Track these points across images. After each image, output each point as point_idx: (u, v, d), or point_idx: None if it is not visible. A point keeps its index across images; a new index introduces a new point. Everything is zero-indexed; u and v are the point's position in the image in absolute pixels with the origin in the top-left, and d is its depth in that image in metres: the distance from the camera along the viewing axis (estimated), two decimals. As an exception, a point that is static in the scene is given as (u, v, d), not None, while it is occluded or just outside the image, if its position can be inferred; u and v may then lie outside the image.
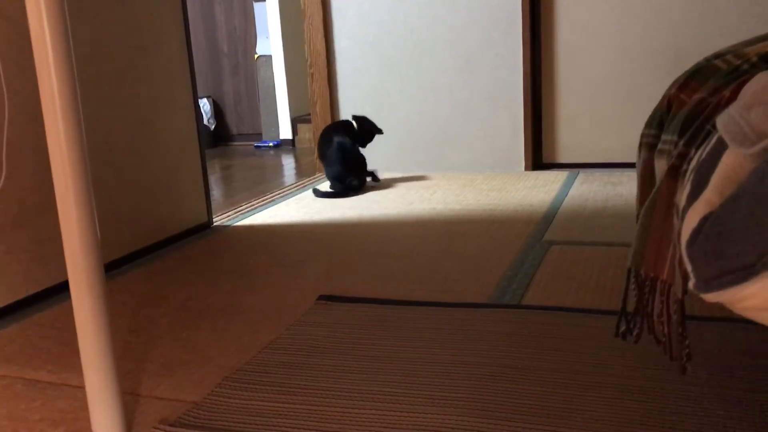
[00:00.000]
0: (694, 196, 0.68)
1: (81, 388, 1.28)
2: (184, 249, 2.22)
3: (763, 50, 0.95)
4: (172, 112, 2.30)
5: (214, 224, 2.52)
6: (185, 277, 1.92)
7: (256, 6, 4.74)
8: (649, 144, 1.05)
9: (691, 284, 0.67)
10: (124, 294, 1.82)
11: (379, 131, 2.98)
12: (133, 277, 1.96)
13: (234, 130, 5.06)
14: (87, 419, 1.17)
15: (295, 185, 3.20)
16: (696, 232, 0.65)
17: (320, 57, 3.34)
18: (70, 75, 1.00)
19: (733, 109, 0.69)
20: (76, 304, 1.05)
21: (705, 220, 0.64)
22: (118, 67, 2.07)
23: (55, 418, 1.19)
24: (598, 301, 1.56)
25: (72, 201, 1.02)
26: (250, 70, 4.92)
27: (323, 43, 3.32)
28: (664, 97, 1.07)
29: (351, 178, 2.86)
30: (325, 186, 3.02)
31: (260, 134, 4.92)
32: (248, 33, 4.89)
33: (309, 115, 3.87)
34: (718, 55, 1.03)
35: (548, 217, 2.32)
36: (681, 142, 0.89)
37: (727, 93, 0.88)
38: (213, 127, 4.98)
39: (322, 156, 2.93)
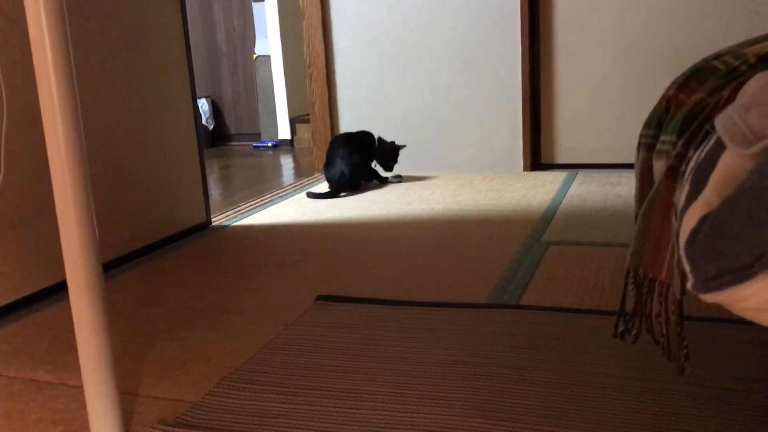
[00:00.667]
0: (692, 197, 0.68)
1: (79, 387, 1.28)
2: (183, 249, 2.21)
3: (762, 51, 0.95)
4: (171, 111, 2.30)
5: (213, 224, 2.52)
6: (184, 277, 1.92)
7: (255, 6, 4.74)
8: (647, 144, 1.06)
9: (689, 284, 0.67)
10: (123, 294, 1.82)
11: (400, 147, 3.03)
12: (132, 277, 1.96)
13: (232, 130, 5.06)
14: (85, 419, 1.17)
15: (293, 185, 3.20)
16: (695, 233, 0.65)
17: (319, 57, 3.34)
18: (68, 74, 0.99)
19: (731, 110, 0.69)
20: (75, 304, 1.05)
21: (704, 220, 0.65)
22: (117, 67, 2.07)
23: (54, 417, 1.19)
24: (597, 301, 1.56)
25: (70, 201, 1.02)
26: (248, 70, 4.92)
27: (322, 43, 3.32)
28: (662, 97, 1.07)
29: (346, 190, 2.90)
30: (322, 188, 3.02)
31: (259, 134, 4.91)
32: (247, 33, 4.88)
33: (307, 115, 3.87)
34: (716, 56, 1.03)
35: (547, 218, 2.32)
36: (680, 143, 0.89)
37: (725, 93, 0.88)
38: (212, 127, 4.98)
39: (328, 157, 2.94)
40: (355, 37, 3.29)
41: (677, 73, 1.12)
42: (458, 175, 3.17)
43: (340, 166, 2.86)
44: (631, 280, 0.98)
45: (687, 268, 0.67)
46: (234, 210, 2.74)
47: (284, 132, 4.79)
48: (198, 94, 4.79)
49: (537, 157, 3.19)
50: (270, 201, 2.87)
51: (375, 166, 3.04)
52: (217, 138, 5.03)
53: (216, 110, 5.04)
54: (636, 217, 0.98)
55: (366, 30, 3.26)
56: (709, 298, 0.63)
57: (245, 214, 2.65)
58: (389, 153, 2.99)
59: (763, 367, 1.20)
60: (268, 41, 4.72)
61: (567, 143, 3.16)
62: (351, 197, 2.82)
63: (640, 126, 1.12)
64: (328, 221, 2.45)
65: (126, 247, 2.11)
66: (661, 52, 2.94)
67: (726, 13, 2.83)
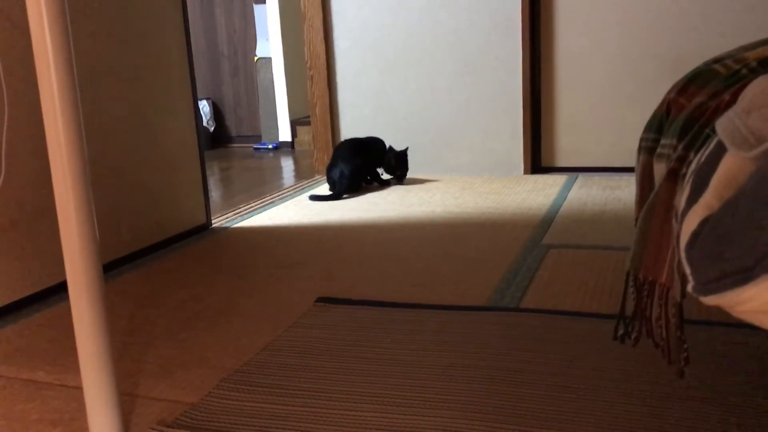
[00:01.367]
0: (693, 199, 0.68)
1: (79, 388, 1.28)
2: (183, 250, 2.21)
3: (762, 55, 0.96)
4: (172, 113, 2.30)
5: (213, 226, 2.52)
6: (183, 279, 1.92)
7: (256, 8, 4.74)
8: (648, 148, 1.06)
9: (690, 287, 0.67)
10: (123, 295, 1.81)
11: (403, 151, 3.05)
12: (132, 278, 1.96)
13: (233, 131, 5.06)
14: (84, 420, 1.17)
15: (293, 187, 3.20)
16: (695, 235, 0.65)
17: (320, 59, 3.34)
18: (70, 76, 1.00)
19: (732, 113, 0.69)
20: (75, 305, 1.05)
21: (704, 223, 0.65)
22: (118, 69, 2.07)
23: (53, 418, 1.19)
24: (597, 304, 1.56)
25: (71, 202, 1.02)
26: (249, 72, 4.93)
27: (323, 46, 3.32)
28: (663, 101, 1.07)
29: (346, 192, 2.91)
30: (323, 190, 3.02)
31: (259, 136, 4.92)
32: (248, 35, 4.89)
33: (308, 117, 3.87)
34: (717, 60, 1.03)
35: (547, 221, 2.32)
36: (680, 146, 0.89)
37: (726, 97, 0.88)
38: (212, 128, 4.98)
39: (331, 159, 2.97)
40: (356, 40, 3.29)
41: (678, 77, 1.12)
42: (459, 177, 3.17)
43: (341, 167, 2.88)
44: (631, 283, 0.98)
45: (688, 270, 0.67)
46: (234, 212, 2.74)
47: (285, 134, 4.79)
48: (199, 95, 4.79)
49: (537, 160, 3.19)
50: (270, 203, 2.87)
51: (383, 174, 3.07)
52: (217, 140, 5.04)
53: (217, 112, 5.05)
54: (636, 220, 0.98)
55: (367, 32, 3.27)
56: (710, 300, 0.63)
57: (245, 216, 2.65)
58: (395, 162, 3.01)
59: (763, 370, 1.20)
60: (269, 43, 4.72)
61: (567, 146, 3.16)
62: (351, 199, 2.82)
63: (641, 129, 1.12)
64: (328, 223, 2.45)
65: (126, 248, 2.11)
66: (661, 56, 2.94)
67: (727, 16, 2.83)
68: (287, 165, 4.05)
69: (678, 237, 0.71)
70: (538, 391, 1.17)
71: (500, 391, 1.18)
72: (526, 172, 3.15)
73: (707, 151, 0.73)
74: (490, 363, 1.29)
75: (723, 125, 0.69)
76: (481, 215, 2.45)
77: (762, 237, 0.57)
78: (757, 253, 0.57)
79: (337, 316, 1.56)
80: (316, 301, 1.67)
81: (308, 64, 3.38)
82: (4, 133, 1.70)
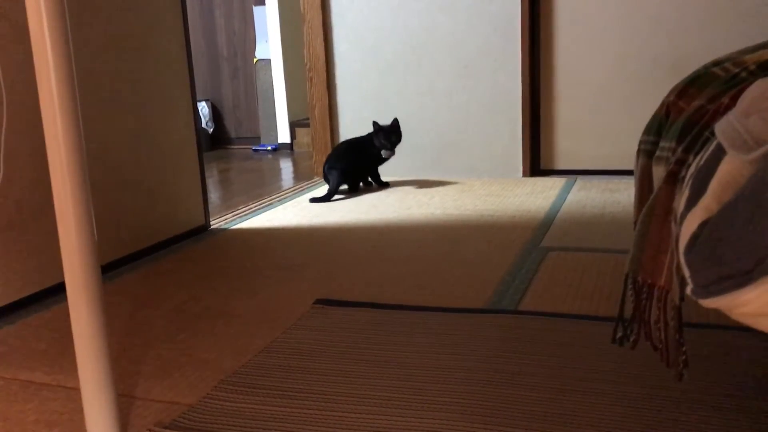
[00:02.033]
0: (692, 202, 0.68)
1: (76, 389, 1.28)
2: (181, 251, 2.21)
3: (762, 58, 0.96)
4: (171, 114, 2.30)
5: (211, 227, 2.52)
6: (182, 280, 1.92)
7: (256, 10, 4.74)
8: (647, 151, 1.06)
9: (689, 290, 0.67)
10: (121, 296, 1.81)
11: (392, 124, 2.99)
12: (130, 279, 1.96)
13: (232, 133, 5.06)
14: (82, 421, 1.16)
15: (292, 189, 3.20)
16: (694, 238, 0.65)
17: (319, 61, 3.35)
18: (69, 77, 1.00)
19: (731, 116, 0.69)
20: (73, 306, 1.05)
21: (703, 225, 0.65)
22: (117, 70, 2.07)
23: (50, 419, 1.18)
24: (596, 307, 1.56)
25: (69, 202, 1.02)
26: (249, 73, 4.93)
27: (322, 48, 3.32)
28: (662, 104, 1.07)
29: (340, 185, 2.95)
30: (322, 191, 3.02)
31: (258, 138, 4.92)
32: (247, 37, 4.89)
33: (307, 119, 3.87)
34: (716, 63, 1.04)
35: (546, 223, 2.32)
36: (679, 149, 0.89)
37: (725, 100, 0.88)
38: (211, 130, 4.98)
39: (328, 157, 3.00)
40: (356, 42, 3.29)
41: (677, 80, 1.12)
42: (458, 180, 3.17)
43: (332, 165, 2.91)
44: (630, 286, 0.98)
45: (687, 273, 0.67)
46: (233, 213, 2.74)
47: (284, 136, 4.79)
48: (198, 97, 4.79)
49: (536, 163, 3.19)
50: (269, 204, 2.87)
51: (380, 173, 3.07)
52: (216, 141, 5.03)
53: (216, 113, 5.05)
54: (635, 222, 0.98)
55: (366, 34, 3.27)
56: (709, 303, 0.63)
57: (244, 218, 2.64)
58: (387, 137, 2.94)
59: (761, 373, 1.20)
60: (269, 45, 4.72)
61: (566, 149, 3.16)
62: (350, 201, 2.82)
63: (640, 132, 1.12)
64: (326, 225, 2.45)
65: (124, 249, 2.11)
66: (660, 59, 2.95)
67: (726, 20, 2.84)
68: (286, 167, 4.05)
69: (677, 240, 0.71)
70: (537, 394, 1.17)
71: (499, 394, 1.18)
72: (525, 174, 3.15)
73: (706, 154, 0.73)
74: (488, 365, 1.29)
75: (722, 128, 0.69)
76: (480, 218, 2.45)
77: (761, 240, 0.57)
78: (756, 256, 0.57)
79: (336, 318, 1.56)
80: (315, 302, 1.67)
81: (307, 66, 3.38)
82: (3, 134, 1.70)
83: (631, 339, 1.02)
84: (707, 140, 0.83)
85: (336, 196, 2.91)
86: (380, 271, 1.90)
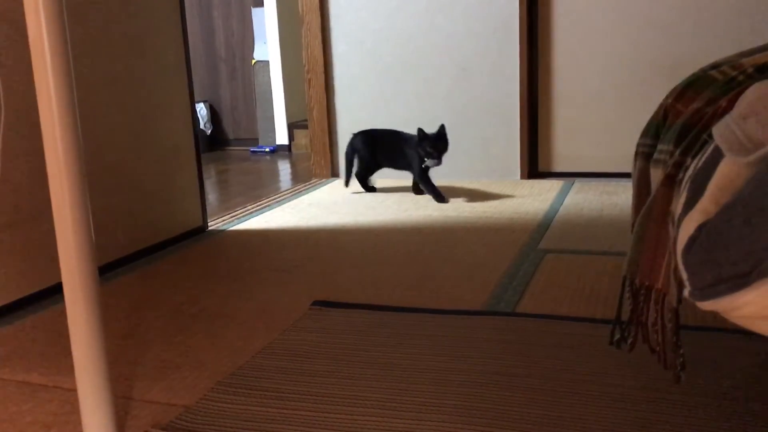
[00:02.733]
0: (690, 205, 0.68)
1: (73, 391, 1.28)
2: (179, 253, 2.21)
3: (759, 61, 0.96)
4: (169, 116, 2.30)
5: (209, 228, 2.52)
6: (179, 281, 1.91)
7: (254, 11, 4.74)
8: (645, 153, 1.06)
9: (686, 292, 0.67)
10: (118, 297, 1.81)
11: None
12: (127, 280, 1.96)
13: (230, 134, 5.06)
14: (79, 422, 1.16)
15: (290, 191, 3.20)
16: (692, 240, 0.65)
17: (318, 63, 3.35)
18: (67, 78, 0.99)
19: (729, 119, 0.69)
20: (70, 307, 1.04)
21: (701, 228, 0.65)
22: (116, 71, 2.07)
23: (47, 420, 1.18)
24: (593, 309, 1.56)
25: (67, 203, 1.02)
26: (247, 75, 4.93)
27: (321, 49, 3.32)
28: (660, 106, 1.07)
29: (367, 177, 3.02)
30: (320, 193, 3.02)
31: (257, 139, 4.91)
32: (246, 38, 4.89)
33: (306, 120, 3.87)
34: (714, 66, 1.04)
35: (543, 226, 2.33)
36: (677, 152, 0.89)
37: (723, 103, 0.88)
38: (209, 131, 4.98)
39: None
40: (354, 44, 3.29)
41: (675, 83, 1.12)
42: (455, 182, 3.17)
43: (358, 144, 2.96)
44: (627, 288, 0.98)
45: (684, 275, 0.67)
46: (230, 214, 2.74)
47: (282, 137, 4.79)
48: (196, 98, 4.77)
49: (534, 165, 3.19)
50: (267, 206, 2.86)
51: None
52: (214, 142, 5.03)
53: (214, 115, 5.04)
54: (633, 225, 0.98)
55: (365, 37, 3.27)
56: (707, 305, 0.63)
57: (242, 219, 2.64)
58: (434, 144, 2.72)
59: (760, 376, 1.20)
60: (267, 46, 4.72)
61: (564, 152, 3.16)
62: (347, 203, 2.82)
63: (638, 135, 1.12)
64: (324, 227, 2.45)
65: (122, 251, 2.10)
66: (658, 62, 2.95)
67: (723, 23, 2.84)
68: (284, 168, 4.05)
69: (675, 242, 0.71)
70: (534, 396, 1.17)
71: (496, 396, 1.18)
72: (523, 176, 3.15)
73: (704, 157, 0.74)
74: (486, 367, 1.29)
75: (720, 131, 0.69)
76: (478, 220, 2.46)
77: (758, 242, 0.57)
78: (753, 259, 0.57)
79: (333, 320, 1.56)
80: (312, 304, 1.66)
81: (306, 68, 3.38)
82: (0, 135, 1.69)
83: (629, 341, 1.02)
84: (705, 143, 0.83)
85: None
86: (378, 272, 1.90)
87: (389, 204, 2.77)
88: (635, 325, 0.99)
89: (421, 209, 2.65)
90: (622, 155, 3.05)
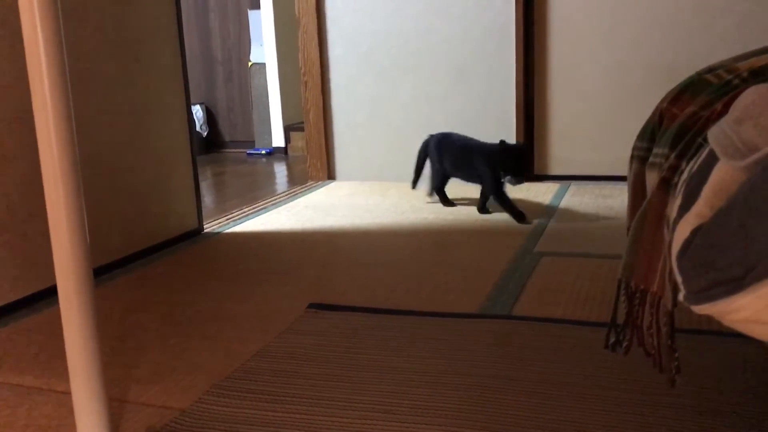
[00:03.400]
0: (685, 208, 0.69)
1: (67, 394, 1.27)
2: (174, 255, 2.21)
3: (754, 65, 0.96)
4: (165, 118, 2.29)
5: (205, 231, 2.52)
6: (175, 284, 1.91)
7: (251, 14, 4.74)
8: (640, 157, 1.06)
9: (681, 296, 0.67)
10: (113, 300, 1.81)
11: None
12: (122, 282, 1.95)
13: (226, 137, 5.05)
14: (73, 425, 1.16)
15: (286, 193, 3.19)
16: (687, 244, 0.65)
17: (314, 65, 3.35)
18: (62, 80, 0.99)
19: (724, 123, 0.70)
20: (64, 310, 1.04)
21: (696, 232, 0.65)
22: (112, 73, 2.06)
23: (41, 424, 1.18)
24: (588, 312, 1.56)
25: (62, 206, 1.01)
26: (243, 77, 4.93)
27: (317, 52, 3.32)
28: (655, 110, 1.07)
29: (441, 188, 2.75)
30: (316, 195, 3.01)
31: (253, 142, 4.91)
32: (242, 40, 4.89)
33: (302, 123, 3.87)
34: (709, 70, 1.04)
35: (539, 229, 2.33)
36: (672, 155, 0.89)
37: (718, 107, 0.89)
38: (205, 133, 4.97)
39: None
40: (351, 46, 3.29)
41: (670, 87, 1.12)
42: (451, 185, 3.17)
43: (433, 153, 2.72)
44: (622, 292, 0.98)
45: (679, 279, 0.67)
46: (226, 217, 2.74)
47: (278, 140, 4.78)
48: (192, 100, 4.79)
49: (530, 168, 3.20)
50: (263, 208, 2.86)
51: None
52: (210, 145, 5.03)
53: (210, 117, 5.04)
54: (628, 228, 0.98)
55: (361, 39, 3.27)
56: (701, 309, 0.63)
57: (238, 221, 2.64)
58: (516, 160, 2.41)
59: (754, 379, 1.20)
60: (264, 49, 4.72)
61: (560, 155, 3.17)
62: (345, 205, 2.82)
63: (633, 138, 1.12)
64: (320, 229, 2.45)
65: (117, 253, 2.10)
66: (654, 66, 2.96)
67: (719, 27, 2.85)
68: (280, 171, 4.04)
69: (670, 246, 0.71)
70: (530, 399, 1.17)
71: (492, 399, 1.18)
72: (518, 179, 3.15)
73: (699, 161, 0.74)
74: (481, 370, 1.29)
75: (715, 135, 0.69)
76: (474, 222, 2.46)
77: (753, 246, 0.57)
78: (747, 263, 0.57)
79: (329, 323, 1.56)
80: (308, 307, 1.66)
81: (302, 70, 3.38)
82: (-4, 136, 1.69)
83: (624, 344, 1.02)
84: (700, 147, 0.83)
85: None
86: (374, 275, 1.90)
87: (386, 207, 2.77)
88: (630, 329, 0.99)
89: (418, 212, 2.65)
90: (618, 158, 3.05)
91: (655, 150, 0.98)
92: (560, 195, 2.85)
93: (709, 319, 0.63)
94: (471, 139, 2.65)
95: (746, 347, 1.32)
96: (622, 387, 1.20)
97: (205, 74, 4.99)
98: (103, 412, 1.08)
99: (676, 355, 0.89)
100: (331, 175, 3.44)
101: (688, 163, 0.84)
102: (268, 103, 4.77)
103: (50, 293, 1.84)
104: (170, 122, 2.32)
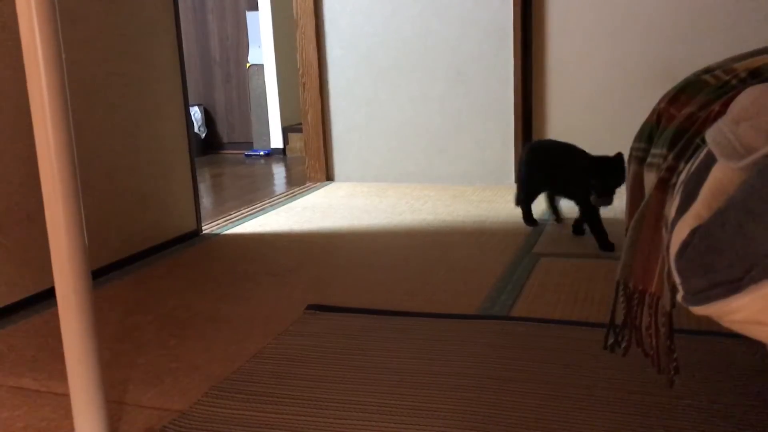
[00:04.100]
0: (683, 209, 0.69)
1: (66, 396, 1.27)
2: (173, 257, 2.20)
3: (752, 66, 0.96)
4: (163, 119, 2.29)
5: (203, 232, 2.51)
6: (173, 286, 1.91)
7: (249, 15, 4.74)
8: (638, 157, 1.06)
9: (679, 297, 0.67)
10: (111, 302, 1.80)
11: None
12: (121, 284, 1.95)
13: (225, 138, 5.05)
14: (72, 428, 1.16)
15: (285, 194, 3.19)
16: (685, 245, 0.65)
17: (312, 67, 3.35)
18: (60, 81, 0.99)
19: (722, 123, 0.70)
20: (62, 312, 1.04)
21: (694, 232, 0.65)
22: (110, 74, 2.06)
23: (40, 426, 1.18)
24: (587, 313, 1.56)
25: (60, 207, 1.01)
26: (241, 78, 4.93)
27: (315, 53, 3.32)
28: (653, 111, 1.07)
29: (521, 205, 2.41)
30: (314, 197, 3.01)
31: (251, 143, 4.91)
32: (240, 42, 4.89)
33: (300, 124, 3.87)
34: (707, 70, 1.04)
35: (538, 230, 2.33)
36: (670, 156, 0.89)
37: (716, 107, 0.89)
38: (204, 135, 4.97)
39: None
40: (349, 48, 3.30)
41: (668, 87, 1.12)
42: (450, 186, 3.18)
43: (522, 164, 2.36)
44: (621, 293, 0.98)
45: (677, 280, 0.67)
46: (225, 218, 2.73)
47: (276, 141, 4.78)
48: (190, 102, 4.78)
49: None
50: (261, 210, 2.86)
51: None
52: (209, 146, 5.03)
53: (208, 118, 5.04)
54: (626, 229, 0.98)
55: (360, 40, 3.27)
56: (699, 310, 0.63)
57: (236, 223, 2.64)
58: (605, 172, 2.03)
59: (753, 379, 1.20)
60: (262, 50, 4.72)
61: (558, 155, 3.16)
62: (343, 207, 2.82)
63: (631, 139, 1.12)
64: (319, 231, 2.45)
65: (115, 255, 2.10)
66: (652, 66, 2.96)
67: (717, 27, 2.86)
68: (279, 172, 4.04)
69: (668, 247, 0.71)
70: (529, 400, 1.17)
71: (491, 400, 1.18)
72: (518, 180, 3.15)
73: (697, 161, 0.74)
74: (480, 371, 1.29)
75: (713, 135, 0.69)
76: (473, 224, 2.46)
77: (750, 247, 0.57)
78: (745, 264, 0.57)
79: (328, 324, 1.55)
80: (307, 308, 1.66)
81: (300, 72, 3.38)
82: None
83: (623, 345, 1.02)
84: (698, 147, 0.83)
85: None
86: (372, 276, 1.90)
87: (384, 208, 2.77)
88: (629, 329, 0.99)
89: (416, 213, 2.65)
90: (616, 159, 3.05)
91: (653, 150, 0.98)
92: (559, 196, 2.84)
93: (708, 319, 0.63)
94: (572, 148, 2.22)
95: (745, 347, 1.32)
96: (620, 387, 1.20)
97: (204, 76, 4.99)
98: (101, 414, 1.08)
99: (675, 355, 0.89)
100: (329, 177, 3.44)
101: (686, 163, 0.84)
102: (266, 104, 4.77)
103: (49, 295, 1.84)
104: (168, 124, 2.32)
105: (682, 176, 0.78)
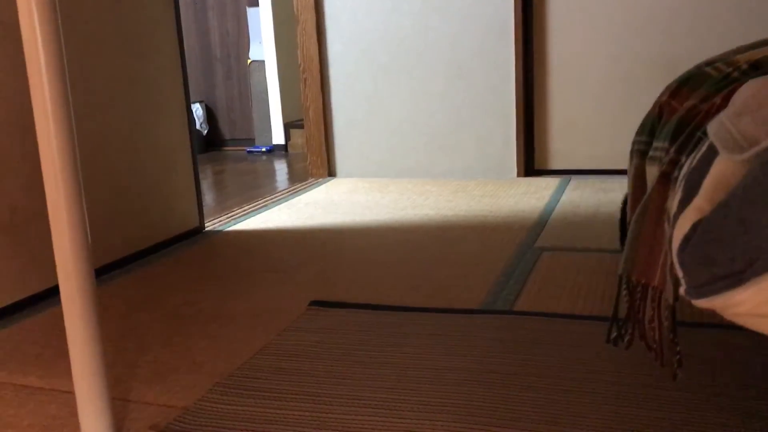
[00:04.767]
0: (685, 203, 0.69)
1: (71, 393, 1.28)
2: (175, 254, 2.21)
3: (753, 58, 0.96)
4: (165, 116, 2.29)
5: (206, 229, 2.52)
6: (176, 283, 1.91)
7: (249, 11, 4.74)
8: (640, 151, 1.06)
9: (682, 290, 0.67)
10: (115, 299, 1.81)
11: None
12: (124, 282, 1.95)
13: (226, 135, 5.05)
14: (77, 425, 1.16)
15: (287, 190, 3.19)
16: (687, 238, 0.65)
17: (313, 62, 3.34)
18: (61, 79, 0.99)
19: (723, 117, 0.70)
20: (66, 309, 1.04)
21: (696, 226, 0.65)
22: (111, 71, 2.06)
23: (45, 423, 1.18)
24: (590, 307, 1.56)
25: (63, 205, 1.01)
26: (242, 75, 4.92)
27: (316, 49, 3.32)
28: (655, 104, 1.07)
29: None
30: (316, 193, 3.01)
31: (253, 139, 4.91)
32: (241, 38, 4.89)
33: (302, 120, 3.87)
34: (709, 63, 1.04)
35: (540, 224, 2.33)
36: (672, 149, 0.89)
37: (717, 100, 0.88)
38: (205, 131, 4.97)
39: None
40: (350, 43, 3.29)
41: (670, 80, 1.12)
42: (452, 181, 3.18)
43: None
44: (624, 286, 0.98)
45: (680, 273, 0.67)
46: (227, 215, 2.74)
47: (278, 137, 4.78)
48: (192, 98, 4.78)
49: (530, 163, 3.20)
50: (264, 206, 2.86)
51: None
52: (210, 143, 5.03)
53: (210, 115, 5.04)
54: (629, 223, 0.98)
55: (360, 36, 3.27)
56: (702, 303, 0.63)
57: (238, 220, 2.64)
58: None
59: (756, 372, 1.20)
60: (263, 46, 4.72)
61: (560, 149, 3.16)
62: (345, 202, 2.82)
63: (633, 132, 1.12)
64: (321, 227, 2.45)
65: (118, 253, 2.10)
66: (654, 59, 2.95)
67: (718, 20, 2.85)
68: (281, 168, 4.04)
69: (670, 240, 0.71)
70: (532, 394, 1.17)
71: (493, 395, 1.18)
72: (519, 175, 3.15)
73: (699, 155, 0.74)
74: (484, 366, 1.29)
75: (714, 128, 0.69)
76: (475, 218, 2.46)
77: (753, 240, 0.57)
78: (747, 257, 0.57)
79: (331, 320, 1.56)
80: (310, 304, 1.66)
81: (301, 68, 3.38)
82: (-4, 137, 1.69)
83: (626, 339, 1.02)
84: (700, 140, 0.83)
85: None
86: (375, 272, 1.90)
87: (386, 203, 2.77)
88: (632, 323, 0.99)
89: (418, 208, 2.66)
90: (618, 152, 3.05)
91: (655, 144, 0.98)
92: (561, 189, 2.84)
93: (710, 312, 0.63)
94: None
95: (748, 340, 1.32)
96: (623, 381, 1.20)
97: (205, 72, 4.99)
98: (106, 411, 1.08)
99: (678, 348, 0.89)
100: (331, 172, 3.44)
101: (687, 156, 0.84)
102: (267, 100, 4.77)
103: (53, 293, 1.84)
104: (170, 121, 2.32)
105: (684, 169, 0.78)
